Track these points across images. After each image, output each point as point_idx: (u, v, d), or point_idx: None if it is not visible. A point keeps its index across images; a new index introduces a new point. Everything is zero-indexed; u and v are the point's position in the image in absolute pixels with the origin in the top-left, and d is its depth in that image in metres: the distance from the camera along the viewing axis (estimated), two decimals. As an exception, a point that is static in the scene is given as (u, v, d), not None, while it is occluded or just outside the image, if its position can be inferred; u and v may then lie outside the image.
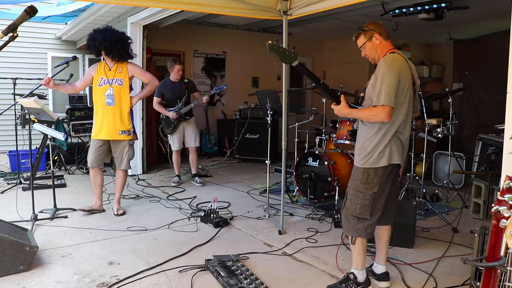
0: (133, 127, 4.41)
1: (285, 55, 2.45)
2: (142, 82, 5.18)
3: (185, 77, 5.96)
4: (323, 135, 5.26)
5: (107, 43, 4.15)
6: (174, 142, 5.84)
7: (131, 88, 4.41)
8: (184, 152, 6.10)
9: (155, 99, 5.72)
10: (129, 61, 4.38)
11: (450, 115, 4.86)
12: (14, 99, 5.25)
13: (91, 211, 4.38)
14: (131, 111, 4.37)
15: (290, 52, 2.45)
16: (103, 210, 4.48)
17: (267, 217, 4.30)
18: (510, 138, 2.22)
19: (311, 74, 2.59)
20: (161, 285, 2.79)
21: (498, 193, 1.59)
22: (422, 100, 4.30)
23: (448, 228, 3.94)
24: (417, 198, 4.48)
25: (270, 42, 2.41)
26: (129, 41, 4.36)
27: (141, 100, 6.36)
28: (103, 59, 4.35)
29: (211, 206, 4.17)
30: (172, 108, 5.69)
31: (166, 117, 5.75)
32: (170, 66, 5.71)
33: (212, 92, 5.84)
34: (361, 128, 2.63)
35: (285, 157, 4.04)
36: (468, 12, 5.65)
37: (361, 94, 2.71)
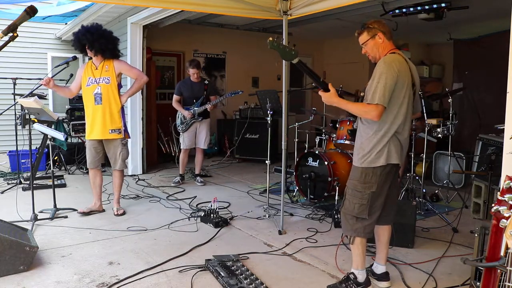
0: (125, 126, 4.36)
1: (285, 52, 2.44)
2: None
3: (206, 78, 6.01)
4: (323, 135, 5.26)
5: (89, 35, 4.12)
6: (184, 140, 5.87)
7: (121, 86, 4.37)
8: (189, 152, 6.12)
9: (174, 97, 5.82)
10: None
11: (450, 115, 4.86)
12: (14, 99, 5.25)
13: (90, 212, 4.38)
14: (122, 109, 4.33)
15: (290, 49, 2.44)
16: (103, 210, 4.48)
17: (267, 217, 4.30)
18: (510, 138, 2.22)
19: (311, 72, 2.58)
20: (161, 285, 2.79)
21: (498, 193, 1.59)
22: (422, 100, 4.29)
23: (448, 228, 3.94)
24: (417, 198, 4.48)
25: (271, 39, 2.41)
26: (116, 40, 4.31)
27: (140, 100, 6.38)
28: (90, 58, 4.33)
29: (211, 206, 4.17)
30: (188, 107, 5.76)
31: (183, 115, 5.82)
32: (187, 68, 5.81)
33: (227, 97, 5.89)
34: (361, 127, 2.63)
35: (285, 157, 4.04)
36: (468, 12, 5.64)
37: (361, 94, 2.70)
